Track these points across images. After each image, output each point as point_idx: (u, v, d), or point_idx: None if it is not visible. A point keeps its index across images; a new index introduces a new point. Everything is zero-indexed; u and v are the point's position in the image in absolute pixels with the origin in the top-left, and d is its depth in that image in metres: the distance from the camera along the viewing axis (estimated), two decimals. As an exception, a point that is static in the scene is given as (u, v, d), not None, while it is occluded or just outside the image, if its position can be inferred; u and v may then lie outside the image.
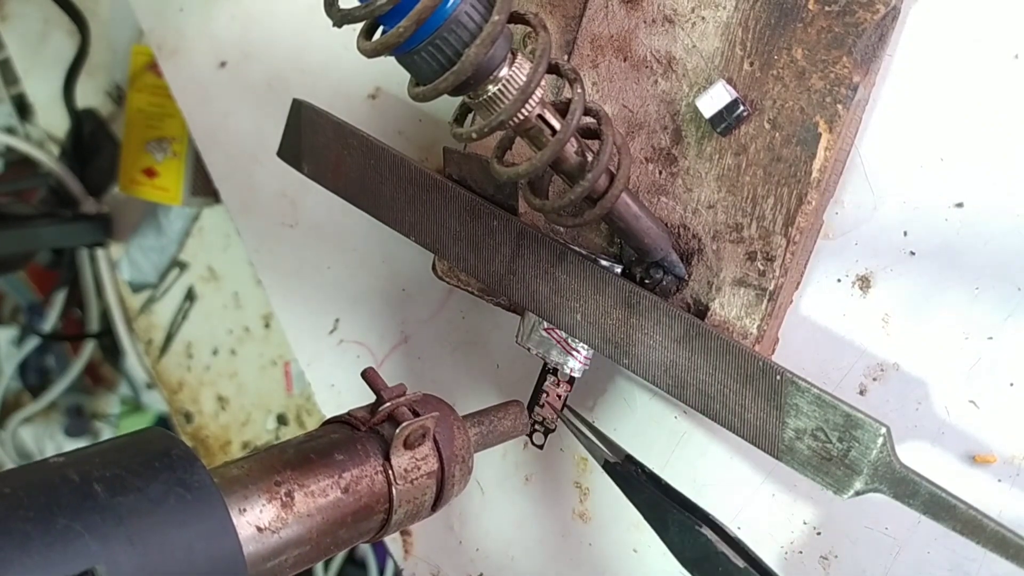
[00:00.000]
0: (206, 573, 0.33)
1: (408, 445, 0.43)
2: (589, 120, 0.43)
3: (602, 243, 0.51)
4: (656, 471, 0.50)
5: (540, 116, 0.41)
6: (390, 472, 0.42)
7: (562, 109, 0.41)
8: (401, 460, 0.43)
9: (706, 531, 0.46)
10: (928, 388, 0.47)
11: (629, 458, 0.50)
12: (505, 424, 0.50)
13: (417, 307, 0.66)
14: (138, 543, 0.32)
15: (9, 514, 0.30)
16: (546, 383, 0.53)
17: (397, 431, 0.42)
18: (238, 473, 0.39)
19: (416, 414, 0.44)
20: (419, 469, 0.43)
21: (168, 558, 0.32)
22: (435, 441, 0.44)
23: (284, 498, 0.39)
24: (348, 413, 0.45)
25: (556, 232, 0.51)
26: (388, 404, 0.43)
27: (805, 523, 0.51)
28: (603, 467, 0.50)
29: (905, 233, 0.47)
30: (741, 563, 0.45)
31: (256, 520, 0.37)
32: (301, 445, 0.42)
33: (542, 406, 0.53)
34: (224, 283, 0.89)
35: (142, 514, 0.32)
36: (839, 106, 0.44)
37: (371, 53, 0.37)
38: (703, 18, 0.47)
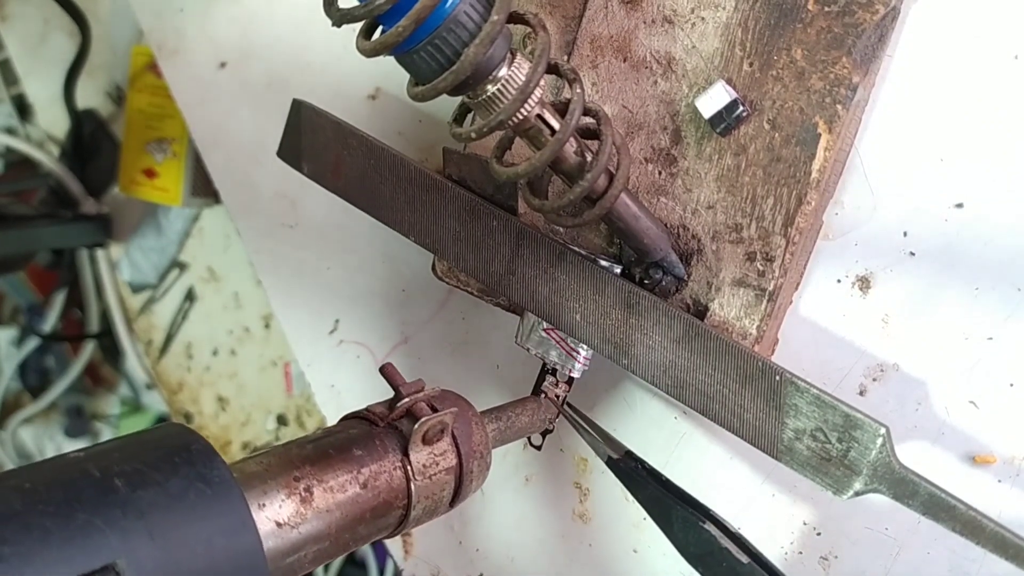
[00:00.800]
0: (226, 568, 0.33)
1: (426, 441, 0.43)
2: (588, 120, 0.43)
3: (601, 243, 0.51)
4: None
5: (539, 116, 0.41)
6: (409, 468, 0.42)
7: (561, 109, 0.41)
8: (420, 456, 0.43)
9: (710, 527, 0.46)
10: (928, 388, 0.47)
11: (629, 454, 0.50)
12: (523, 419, 0.50)
13: (417, 307, 0.66)
14: (158, 538, 0.31)
15: (29, 509, 0.30)
16: (545, 383, 0.53)
17: (416, 426, 0.42)
18: (257, 468, 0.38)
19: (434, 409, 0.43)
20: (437, 465, 0.43)
21: (188, 553, 0.32)
22: (453, 437, 0.44)
23: (303, 493, 0.38)
24: (366, 408, 0.45)
25: (555, 232, 0.51)
26: (407, 399, 0.43)
27: (805, 524, 0.51)
28: (606, 463, 0.50)
29: (905, 234, 0.47)
30: (745, 559, 0.45)
31: (275, 515, 0.37)
32: (319, 441, 0.42)
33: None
34: (224, 284, 0.89)
35: (162, 509, 0.32)
36: (838, 106, 0.44)
37: (370, 53, 0.37)
38: (703, 18, 0.47)
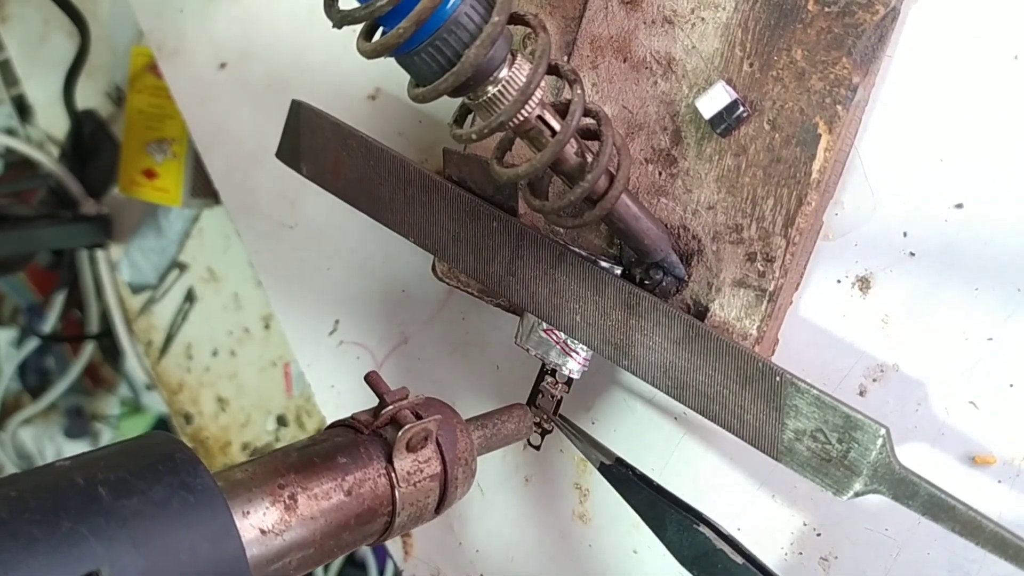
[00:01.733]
0: (210, 575, 0.34)
1: (410, 448, 0.43)
2: (589, 121, 0.43)
3: (602, 244, 0.51)
4: (656, 473, 0.50)
5: (540, 117, 0.41)
6: (393, 475, 0.43)
7: (562, 110, 0.41)
8: (404, 463, 0.43)
9: (704, 529, 0.46)
10: (928, 389, 0.47)
11: (619, 460, 0.50)
12: (509, 427, 0.51)
13: (417, 308, 0.66)
14: (142, 545, 0.32)
15: (15, 517, 0.31)
16: (544, 384, 0.53)
17: (399, 434, 0.42)
18: (242, 476, 0.39)
19: (419, 417, 0.44)
20: (422, 472, 0.44)
21: (172, 560, 0.33)
22: (438, 444, 0.45)
23: (287, 501, 0.39)
24: (351, 417, 0.45)
25: (556, 233, 0.51)
26: (390, 407, 0.44)
27: (805, 524, 0.51)
28: (599, 470, 0.50)
29: (905, 234, 0.47)
30: (739, 560, 0.45)
31: (259, 523, 0.37)
32: (304, 449, 0.42)
33: (539, 407, 0.53)
34: (224, 284, 0.89)
35: (146, 517, 0.33)
36: (839, 107, 0.44)
37: (371, 54, 0.37)
38: (703, 19, 0.47)
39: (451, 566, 0.66)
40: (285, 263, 0.73)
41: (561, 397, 0.53)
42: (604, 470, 0.50)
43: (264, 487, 0.39)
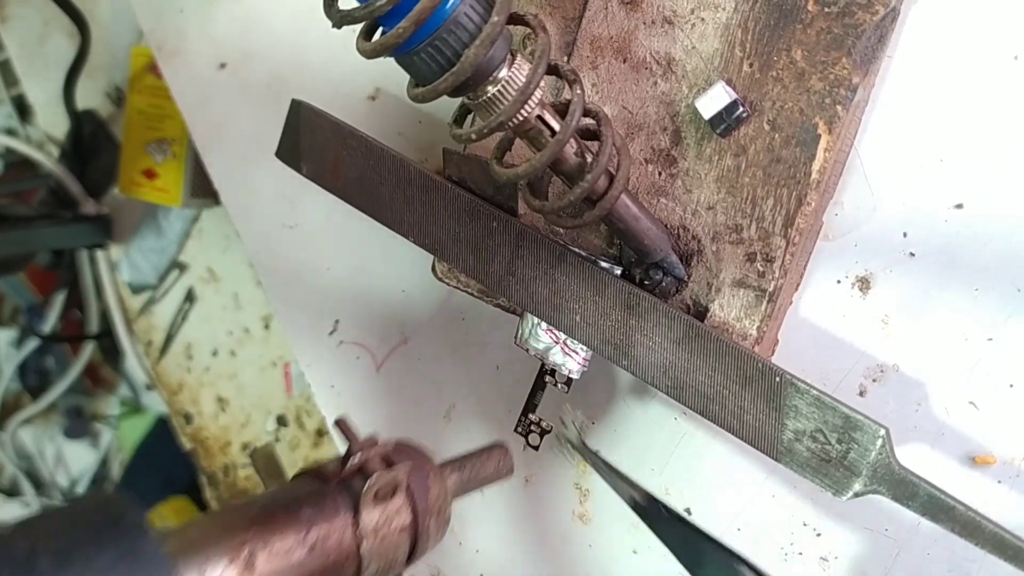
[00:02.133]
0: None
1: (379, 499, 0.41)
2: (588, 121, 0.43)
3: (602, 244, 0.51)
4: (656, 473, 0.50)
5: (539, 117, 0.41)
6: (359, 528, 0.41)
7: (561, 110, 0.41)
8: (371, 515, 0.41)
9: (744, 570, 0.45)
10: (928, 389, 0.47)
11: (650, 497, 0.49)
12: (488, 468, 0.49)
13: (417, 308, 0.66)
14: None
15: None
16: (544, 383, 0.53)
17: (366, 486, 0.40)
18: (197, 535, 0.37)
19: (390, 464, 0.42)
20: (391, 524, 0.42)
21: None
22: (409, 493, 0.43)
23: (247, 559, 0.37)
24: (318, 466, 0.43)
25: (556, 233, 0.51)
26: (356, 456, 0.42)
27: (805, 524, 0.51)
28: (632, 507, 0.49)
29: (905, 234, 0.47)
30: None
31: None
32: (268, 501, 0.40)
33: (539, 403, 0.53)
34: (224, 284, 0.89)
35: None
36: (838, 107, 0.44)
37: (370, 54, 0.37)
38: (702, 19, 0.47)
39: (451, 566, 0.66)
40: (285, 263, 0.73)
41: (558, 383, 0.52)
42: (637, 508, 0.49)
43: (222, 545, 0.37)
